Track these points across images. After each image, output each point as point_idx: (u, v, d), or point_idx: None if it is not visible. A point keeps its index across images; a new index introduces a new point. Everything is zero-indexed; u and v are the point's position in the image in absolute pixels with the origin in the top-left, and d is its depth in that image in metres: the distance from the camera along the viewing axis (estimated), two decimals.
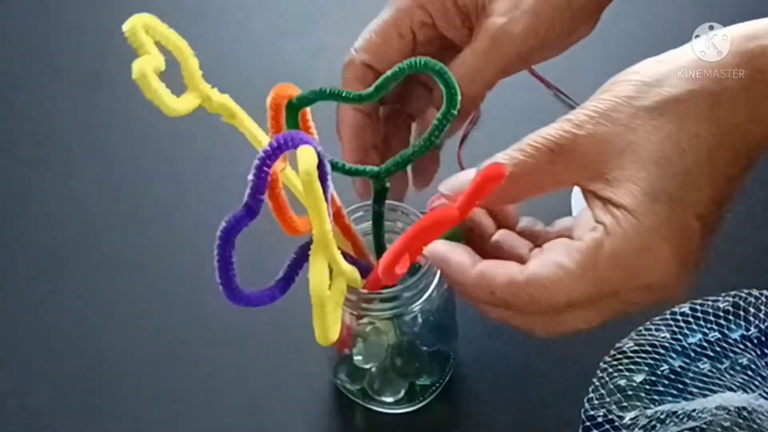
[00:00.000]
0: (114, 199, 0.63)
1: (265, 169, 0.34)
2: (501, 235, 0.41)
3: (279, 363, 0.53)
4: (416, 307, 0.44)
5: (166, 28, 0.37)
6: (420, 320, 0.47)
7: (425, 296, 0.44)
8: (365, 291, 0.42)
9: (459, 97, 0.39)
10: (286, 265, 0.39)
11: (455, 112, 0.39)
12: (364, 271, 0.42)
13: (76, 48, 0.72)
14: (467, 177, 0.38)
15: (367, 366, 0.49)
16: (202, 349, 0.55)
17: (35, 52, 0.73)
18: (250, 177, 0.34)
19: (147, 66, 0.34)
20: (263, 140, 0.40)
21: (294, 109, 0.39)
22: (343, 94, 0.39)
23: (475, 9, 0.44)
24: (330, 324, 0.37)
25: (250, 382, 0.53)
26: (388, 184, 0.42)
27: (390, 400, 0.50)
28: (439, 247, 0.39)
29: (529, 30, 0.44)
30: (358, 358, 0.48)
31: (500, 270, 0.37)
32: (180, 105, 0.36)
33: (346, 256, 0.41)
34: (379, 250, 0.44)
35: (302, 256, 0.38)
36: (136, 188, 0.64)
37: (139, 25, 0.35)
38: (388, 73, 0.39)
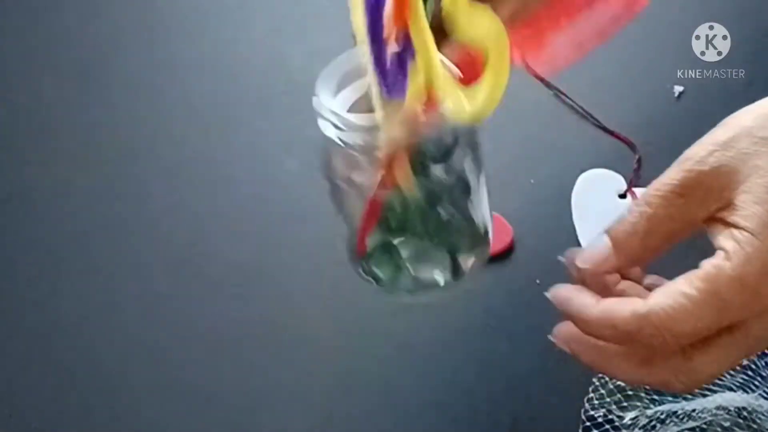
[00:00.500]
0: (114, 199, 0.63)
1: None
2: (625, 285, 0.41)
3: (282, 369, 0.53)
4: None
5: None
6: (444, 175, 0.43)
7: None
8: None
9: None
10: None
11: None
12: None
13: (76, 47, 0.72)
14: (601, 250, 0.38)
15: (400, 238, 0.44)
16: (203, 350, 0.55)
17: (35, 52, 0.73)
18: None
19: None
20: None
21: None
22: None
23: None
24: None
25: (252, 388, 0.53)
26: None
27: (438, 277, 0.45)
28: (562, 290, 0.39)
29: None
30: (385, 227, 0.44)
31: (623, 305, 0.36)
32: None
33: None
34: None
35: None
36: (136, 188, 0.64)
37: None
38: None
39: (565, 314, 0.39)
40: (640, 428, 0.47)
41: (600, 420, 0.48)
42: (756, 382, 0.48)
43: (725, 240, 0.35)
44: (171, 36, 0.73)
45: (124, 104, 0.67)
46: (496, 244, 0.57)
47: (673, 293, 0.35)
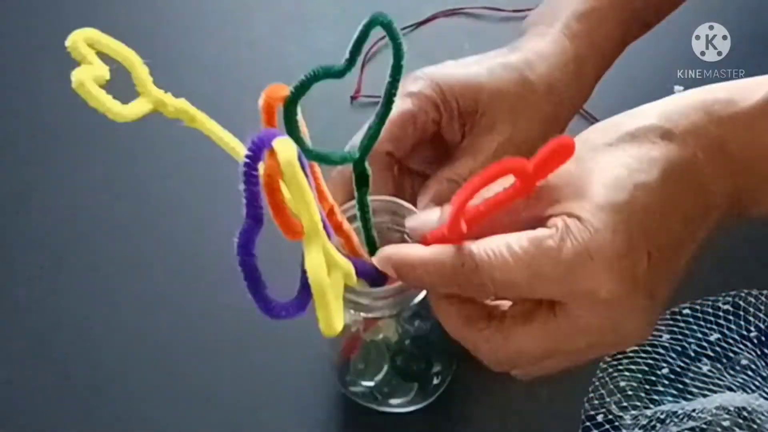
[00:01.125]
0: (114, 199, 0.63)
1: (254, 173, 0.33)
2: None
3: (282, 369, 0.53)
4: (417, 299, 0.44)
5: (111, 39, 0.37)
6: (421, 317, 0.47)
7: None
8: (372, 290, 0.43)
9: (404, 50, 0.39)
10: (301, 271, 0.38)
11: (403, 64, 0.39)
12: (360, 269, 0.42)
13: None
14: (431, 217, 0.40)
15: (371, 384, 0.49)
16: (203, 350, 0.55)
17: (35, 52, 0.73)
18: (241, 187, 0.34)
19: (85, 75, 0.35)
20: (229, 140, 0.40)
21: (291, 105, 0.38)
22: (332, 70, 0.39)
23: (471, 118, 0.49)
24: (333, 313, 0.36)
25: (252, 388, 0.53)
26: (369, 168, 0.42)
27: (401, 400, 0.50)
28: (387, 249, 0.40)
29: (518, 146, 0.48)
30: (360, 366, 0.49)
31: (451, 246, 0.38)
32: (127, 110, 0.37)
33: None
34: (369, 240, 0.44)
35: None
36: (136, 188, 0.64)
37: (80, 39, 0.36)
38: (357, 35, 0.39)
39: (395, 265, 0.39)
40: (640, 428, 0.47)
41: (600, 420, 0.48)
42: (756, 382, 0.48)
43: (559, 219, 0.37)
44: (171, 36, 0.73)
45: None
46: None
47: (499, 243, 0.37)
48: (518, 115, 0.48)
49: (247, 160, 0.33)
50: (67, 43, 0.36)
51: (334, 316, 0.36)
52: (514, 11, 0.71)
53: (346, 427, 0.51)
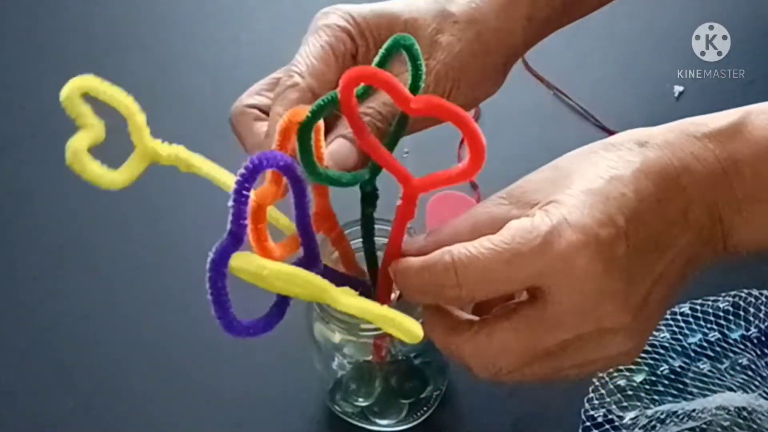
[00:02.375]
0: (114, 199, 0.63)
1: (245, 193, 0.33)
2: None
3: (271, 386, 0.53)
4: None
5: (109, 86, 0.36)
6: None
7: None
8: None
9: (423, 72, 0.39)
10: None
11: (422, 84, 0.39)
12: (356, 286, 0.42)
13: (76, 47, 0.72)
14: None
15: (363, 403, 0.50)
16: (202, 348, 0.54)
17: (35, 52, 0.73)
18: (230, 203, 0.34)
19: (81, 145, 0.35)
20: (226, 180, 0.40)
21: (306, 129, 0.38)
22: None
23: None
24: (408, 324, 0.37)
25: (244, 398, 0.52)
26: (377, 188, 0.42)
27: (393, 420, 0.50)
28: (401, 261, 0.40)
29: (438, 79, 0.46)
30: (352, 386, 0.49)
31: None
32: (121, 176, 0.37)
33: (337, 274, 0.41)
34: (370, 258, 0.43)
35: None
36: (136, 188, 0.63)
37: (76, 91, 0.35)
38: (379, 59, 0.39)
39: (396, 274, 0.40)
40: (640, 428, 0.47)
41: (600, 420, 0.48)
42: (756, 382, 0.48)
43: (536, 209, 0.37)
44: (171, 36, 0.73)
45: None
46: None
47: (478, 241, 0.37)
48: (436, 47, 0.46)
49: (241, 179, 0.33)
50: (62, 96, 0.35)
51: (411, 327, 0.37)
52: None
53: (347, 426, 0.51)
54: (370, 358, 0.47)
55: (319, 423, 0.51)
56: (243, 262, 0.35)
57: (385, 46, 0.38)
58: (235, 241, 0.34)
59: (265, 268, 0.35)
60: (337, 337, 0.46)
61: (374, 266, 0.43)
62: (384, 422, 0.50)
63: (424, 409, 0.50)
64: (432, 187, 0.39)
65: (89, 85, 0.35)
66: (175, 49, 0.71)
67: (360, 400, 0.49)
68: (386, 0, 0.48)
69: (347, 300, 0.37)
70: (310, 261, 0.38)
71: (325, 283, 0.37)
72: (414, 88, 0.39)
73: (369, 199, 0.41)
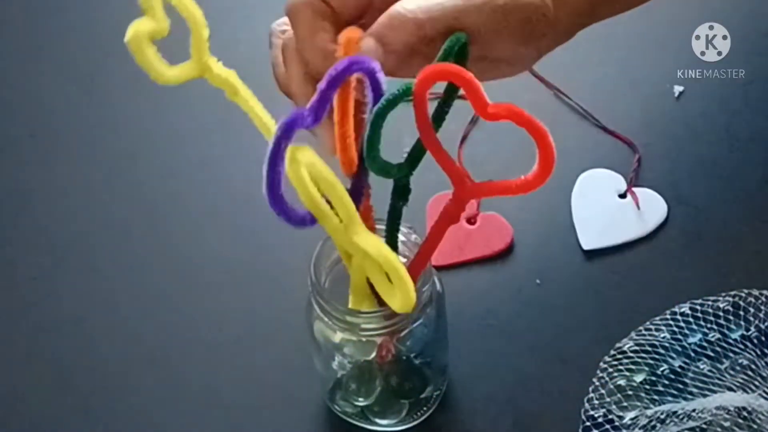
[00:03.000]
0: (114, 199, 0.63)
1: (337, 81, 0.34)
2: None
3: (271, 386, 0.53)
4: (416, 324, 0.44)
5: None
6: (414, 336, 0.47)
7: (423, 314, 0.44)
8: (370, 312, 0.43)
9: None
10: None
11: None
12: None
13: (76, 48, 0.72)
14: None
15: (363, 403, 0.49)
16: (202, 349, 0.55)
17: (35, 52, 0.73)
18: (322, 86, 0.34)
19: (143, 28, 0.35)
20: (266, 120, 0.40)
21: (379, 118, 0.37)
22: None
23: None
24: (410, 287, 0.38)
25: (244, 396, 0.53)
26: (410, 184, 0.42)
27: (393, 420, 0.50)
28: None
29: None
30: (352, 386, 0.49)
31: None
32: (171, 72, 0.37)
33: None
34: (392, 248, 0.43)
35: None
36: (136, 188, 0.64)
37: None
38: (442, 54, 0.39)
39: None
40: (640, 428, 0.47)
41: (600, 420, 0.48)
42: (756, 382, 0.48)
43: None
44: (170, 36, 0.73)
45: (123, 104, 0.67)
46: (496, 243, 0.57)
47: None
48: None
49: (334, 71, 0.34)
50: None
51: (410, 292, 0.37)
52: None
53: (347, 426, 0.51)
54: (370, 357, 0.47)
55: (319, 423, 0.51)
56: (302, 153, 0.35)
57: (446, 43, 0.39)
58: (315, 116, 0.35)
59: (315, 165, 0.35)
60: (337, 337, 0.46)
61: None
62: (384, 422, 0.50)
63: (424, 409, 0.50)
64: (486, 194, 0.39)
65: None
66: (175, 49, 0.71)
67: (360, 399, 0.49)
68: None
69: (367, 238, 0.37)
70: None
71: (353, 211, 0.37)
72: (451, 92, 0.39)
73: (403, 191, 0.41)
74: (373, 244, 0.37)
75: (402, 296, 0.38)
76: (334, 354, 0.47)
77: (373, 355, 0.47)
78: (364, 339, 0.45)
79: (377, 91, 0.37)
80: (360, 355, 0.47)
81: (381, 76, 0.36)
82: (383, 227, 0.43)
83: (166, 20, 0.36)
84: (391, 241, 0.43)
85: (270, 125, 0.39)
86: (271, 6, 0.75)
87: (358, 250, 0.38)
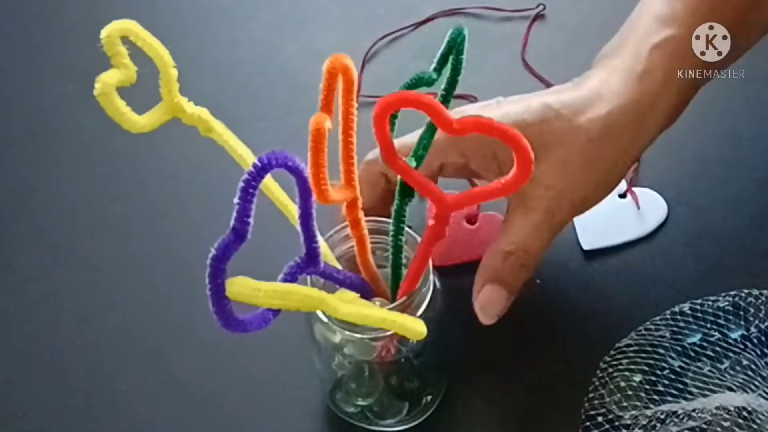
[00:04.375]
0: (114, 199, 0.63)
1: (251, 191, 0.34)
2: None
3: (270, 386, 0.53)
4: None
5: (149, 35, 0.37)
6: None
7: (421, 310, 0.44)
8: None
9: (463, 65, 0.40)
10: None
11: (459, 79, 0.41)
12: (350, 283, 0.42)
13: (76, 48, 0.72)
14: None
15: (363, 404, 0.49)
16: (202, 349, 0.54)
17: (35, 52, 0.73)
18: (236, 200, 0.34)
19: (111, 80, 0.35)
20: (243, 153, 0.40)
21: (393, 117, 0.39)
22: (424, 79, 0.40)
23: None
24: (411, 324, 0.38)
25: (242, 399, 0.52)
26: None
27: (393, 420, 0.50)
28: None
29: (575, 199, 0.46)
30: (352, 386, 0.49)
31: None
32: (145, 121, 0.37)
33: (339, 273, 0.42)
34: (397, 252, 0.43)
35: (292, 275, 0.38)
36: (136, 188, 0.64)
37: (116, 32, 0.36)
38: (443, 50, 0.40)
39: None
40: (640, 428, 0.47)
41: (600, 420, 0.48)
42: (756, 382, 0.48)
43: None
44: (171, 36, 0.73)
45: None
46: None
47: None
48: (568, 165, 0.43)
49: (248, 177, 0.33)
50: (103, 34, 0.36)
51: (415, 326, 0.38)
52: (514, 11, 0.71)
53: (346, 427, 0.51)
54: (370, 358, 0.47)
55: (319, 423, 0.51)
56: (238, 286, 0.36)
57: (449, 35, 0.40)
58: (239, 237, 0.34)
59: (259, 290, 0.36)
60: (337, 338, 0.46)
61: (399, 261, 0.43)
62: (384, 423, 0.50)
63: (424, 409, 0.50)
64: (467, 204, 0.39)
65: (130, 28, 0.36)
66: (174, 49, 0.71)
67: (360, 400, 0.49)
68: (518, 101, 0.47)
69: (347, 308, 0.38)
70: (310, 260, 0.38)
71: (322, 295, 0.37)
72: (452, 83, 0.40)
73: (408, 188, 0.41)
74: (355, 313, 0.38)
75: (410, 334, 0.38)
76: (334, 354, 0.47)
77: (374, 355, 0.47)
78: (365, 340, 0.45)
79: (304, 187, 0.36)
80: (360, 355, 0.47)
81: (305, 173, 0.36)
82: (374, 224, 0.43)
83: (133, 67, 0.36)
84: (396, 243, 0.43)
85: (246, 156, 0.40)
86: (271, 6, 0.75)
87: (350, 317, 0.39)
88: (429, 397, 0.50)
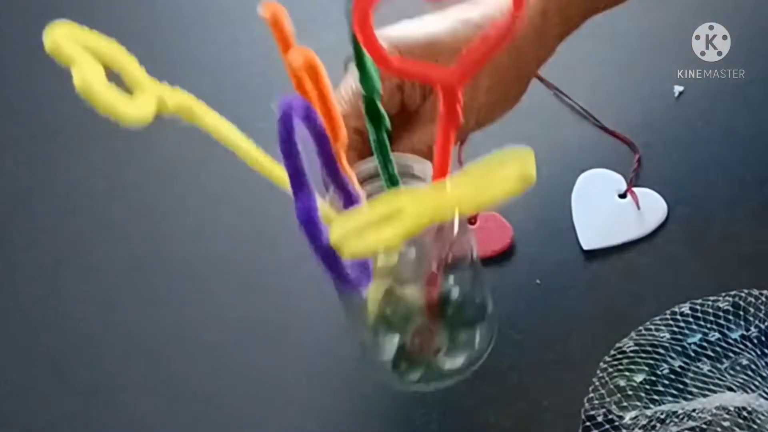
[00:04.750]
0: (114, 199, 0.63)
1: (291, 143, 0.34)
2: None
3: (270, 386, 0.53)
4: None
5: (90, 35, 0.32)
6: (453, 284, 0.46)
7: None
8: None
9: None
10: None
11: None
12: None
13: None
14: None
15: (398, 341, 0.48)
16: (202, 349, 0.55)
17: (35, 52, 0.73)
18: (283, 163, 0.34)
19: (90, 74, 0.30)
20: (232, 135, 0.37)
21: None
22: None
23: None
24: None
25: (250, 392, 0.52)
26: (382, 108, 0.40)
27: (454, 366, 0.48)
28: None
29: (484, 106, 0.49)
30: (390, 317, 0.47)
31: None
32: (137, 111, 0.33)
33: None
34: (390, 179, 0.42)
35: None
36: (136, 188, 0.64)
37: (61, 36, 0.31)
38: None
39: None
40: (640, 428, 0.47)
41: (600, 420, 0.48)
42: (756, 382, 0.48)
43: None
44: (171, 36, 0.73)
45: None
46: (496, 244, 0.57)
47: None
48: (479, 75, 0.45)
49: (281, 127, 0.33)
50: (47, 44, 0.31)
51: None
52: None
53: (346, 427, 0.51)
54: (417, 303, 0.46)
55: (320, 423, 0.51)
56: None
57: None
58: (304, 189, 0.35)
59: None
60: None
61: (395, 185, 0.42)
62: (447, 371, 0.49)
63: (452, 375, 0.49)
64: (474, 69, 0.36)
65: (70, 33, 0.32)
66: (174, 49, 0.71)
67: (397, 337, 0.48)
68: (427, 23, 0.48)
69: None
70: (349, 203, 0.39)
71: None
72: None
73: (375, 114, 0.40)
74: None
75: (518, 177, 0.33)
76: (395, 308, 0.46)
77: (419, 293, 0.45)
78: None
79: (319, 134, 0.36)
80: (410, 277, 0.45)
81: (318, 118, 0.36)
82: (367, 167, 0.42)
83: (98, 66, 0.32)
84: (390, 178, 0.41)
85: (237, 139, 0.38)
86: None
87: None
88: (482, 344, 0.49)
